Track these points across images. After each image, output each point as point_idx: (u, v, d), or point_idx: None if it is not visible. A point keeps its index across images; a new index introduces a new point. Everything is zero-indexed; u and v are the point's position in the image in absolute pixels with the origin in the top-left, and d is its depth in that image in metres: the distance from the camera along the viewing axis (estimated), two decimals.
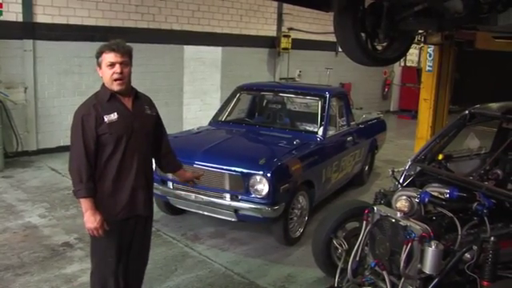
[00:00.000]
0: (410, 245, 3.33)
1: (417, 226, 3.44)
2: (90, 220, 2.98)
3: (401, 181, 4.53)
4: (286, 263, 4.89)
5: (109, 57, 3.00)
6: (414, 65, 16.83)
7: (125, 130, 3.05)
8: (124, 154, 3.07)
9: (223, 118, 6.53)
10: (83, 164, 2.95)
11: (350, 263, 3.84)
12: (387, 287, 3.48)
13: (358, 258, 3.90)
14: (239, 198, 4.87)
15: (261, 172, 4.71)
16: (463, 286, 3.47)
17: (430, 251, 3.31)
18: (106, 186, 3.06)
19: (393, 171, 4.46)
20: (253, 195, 4.78)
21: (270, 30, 11.88)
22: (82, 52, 8.49)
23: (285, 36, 11.89)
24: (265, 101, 6.92)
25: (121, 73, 3.02)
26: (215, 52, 10.56)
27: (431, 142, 4.78)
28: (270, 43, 11.87)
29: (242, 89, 6.79)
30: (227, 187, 4.91)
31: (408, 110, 15.38)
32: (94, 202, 2.99)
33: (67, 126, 8.31)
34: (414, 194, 3.80)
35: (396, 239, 3.55)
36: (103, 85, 3.10)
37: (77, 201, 6.05)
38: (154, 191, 5.08)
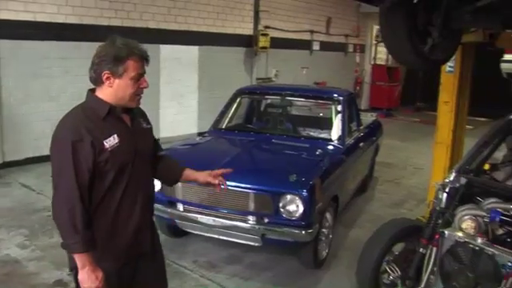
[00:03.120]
0: (511, 279, 2.88)
1: (508, 255, 3.00)
2: (91, 279, 2.26)
3: (445, 195, 4.00)
4: None
5: (138, 66, 2.32)
6: (384, 63, 16.75)
7: (128, 155, 2.37)
8: (127, 186, 2.37)
9: (226, 125, 5.90)
10: (77, 207, 2.23)
11: None
12: None
13: None
14: (266, 220, 4.28)
15: (294, 191, 4.13)
16: None
17: None
18: (102, 229, 2.35)
19: (443, 185, 3.97)
20: (284, 217, 4.20)
21: (247, 29, 11.30)
22: (51, 53, 7.65)
23: (263, 35, 11.34)
24: (270, 106, 6.34)
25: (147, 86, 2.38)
26: (192, 51, 9.90)
27: (475, 150, 4.33)
28: (247, 42, 11.29)
29: (243, 92, 6.19)
30: (252, 209, 4.30)
31: (379, 108, 15.23)
32: (93, 254, 2.28)
33: (37, 135, 7.62)
34: (483, 213, 3.36)
35: (482, 270, 3.08)
36: (92, 95, 2.37)
37: None
38: (160, 214, 4.47)
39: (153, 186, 2.62)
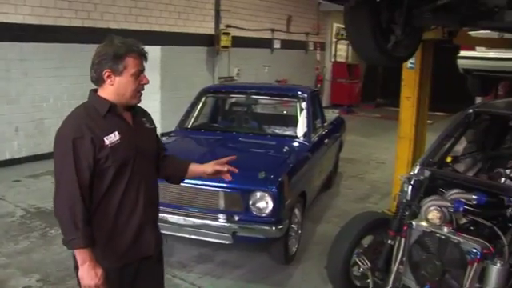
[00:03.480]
0: (476, 264, 3.00)
1: (473, 243, 3.12)
2: (90, 275, 2.28)
3: (410, 188, 4.12)
4: (292, 286, 4.42)
5: (138, 63, 2.35)
6: (344, 60, 17.02)
7: (129, 152, 2.38)
8: (128, 184, 2.38)
9: (192, 124, 5.87)
10: (78, 204, 2.25)
11: (390, 285, 3.50)
12: None
13: (392, 279, 3.55)
14: (236, 218, 4.31)
15: (264, 188, 4.19)
16: None
17: (496, 270, 2.99)
18: (104, 227, 2.36)
19: (408, 178, 4.10)
20: (254, 214, 4.25)
21: (208, 28, 11.25)
22: (9, 54, 7.42)
23: (224, 34, 11.32)
24: (236, 104, 6.36)
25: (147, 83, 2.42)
26: (154, 51, 9.73)
27: (437, 143, 4.48)
28: (209, 41, 11.24)
29: (209, 91, 6.18)
30: (222, 207, 4.33)
31: (340, 105, 15.45)
32: (92, 250, 2.31)
33: None
34: (448, 204, 3.49)
35: (448, 258, 3.21)
36: (94, 94, 2.40)
37: (26, 229, 5.29)
38: None
39: (156, 186, 2.62)
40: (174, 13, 10.22)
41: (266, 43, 13.37)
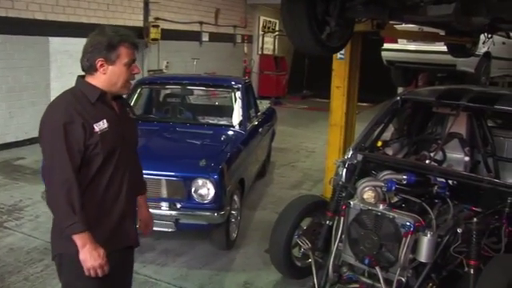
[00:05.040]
0: (409, 236, 3.26)
1: (406, 217, 3.38)
2: (93, 256, 2.28)
3: (345, 171, 4.38)
4: (235, 270, 4.53)
5: (130, 53, 2.38)
6: (271, 53, 17.32)
7: (116, 141, 2.40)
8: (113, 173, 2.40)
9: None
10: (74, 188, 2.24)
11: (331, 262, 3.68)
12: (381, 283, 3.37)
13: (332, 256, 3.75)
14: (178, 206, 4.38)
15: (205, 175, 4.28)
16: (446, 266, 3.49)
17: (426, 240, 3.26)
18: (87, 214, 2.35)
19: (343, 162, 4.34)
20: (196, 201, 4.33)
21: (138, 20, 11.09)
22: None
23: (154, 26, 11.21)
24: (172, 95, 6.37)
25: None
26: (83, 44, 9.45)
27: (368, 129, 4.76)
28: (138, 34, 11.05)
29: (144, 83, 6.14)
30: (165, 195, 4.37)
31: (267, 97, 15.68)
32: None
33: None
34: (381, 184, 3.75)
35: (385, 232, 3.44)
36: (82, 81, 2.39)
37: None
38: None
39: (137, 176, 2.67)
40: (102, 4, 9.95)
41: (194, 36, 13.37)
